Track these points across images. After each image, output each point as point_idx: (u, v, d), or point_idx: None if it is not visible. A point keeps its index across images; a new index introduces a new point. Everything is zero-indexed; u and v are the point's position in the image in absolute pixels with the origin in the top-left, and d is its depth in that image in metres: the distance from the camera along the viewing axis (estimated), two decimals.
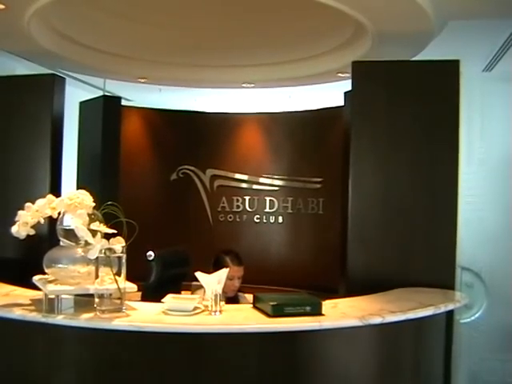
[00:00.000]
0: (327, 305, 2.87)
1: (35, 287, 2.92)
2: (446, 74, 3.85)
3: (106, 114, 5.56)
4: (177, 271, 4.20)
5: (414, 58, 4.58)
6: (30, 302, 2.87)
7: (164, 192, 6.53)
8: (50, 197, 2.74)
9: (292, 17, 4.58)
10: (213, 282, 2.72)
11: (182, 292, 3.92)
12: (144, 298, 3.71)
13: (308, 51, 5.23)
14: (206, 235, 6.41)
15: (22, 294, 3.09)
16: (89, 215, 2.62)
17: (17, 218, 2.69)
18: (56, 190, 4.36)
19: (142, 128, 6.59)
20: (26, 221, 2.64)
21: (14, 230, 2.69)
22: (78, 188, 5.26)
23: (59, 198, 2.69)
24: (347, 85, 4.20)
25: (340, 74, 5.35)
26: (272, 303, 2.68)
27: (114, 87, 6.72)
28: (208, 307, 2.73)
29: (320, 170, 6.12)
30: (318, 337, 2.75)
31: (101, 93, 6.47)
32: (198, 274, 2.79)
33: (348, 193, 3.92)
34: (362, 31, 4.30)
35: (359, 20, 3.98)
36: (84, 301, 2.83)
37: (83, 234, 2.52)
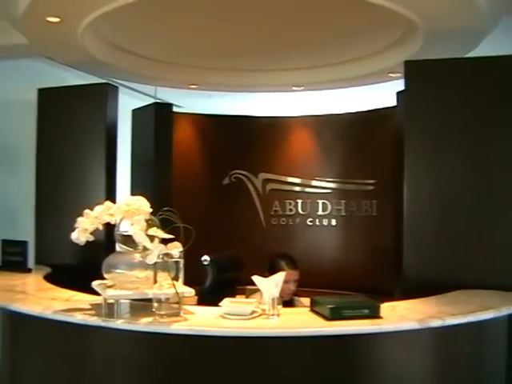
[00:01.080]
0: (385, 307, 2.83)
1: (94, 292, 2.97)
2: (504, 69, 3.75)
3: (157, 121, 5.62)
4: (231, 275, 4.22)
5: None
6: (89, 306, 2.92)
7: (217, 197, 6.55)
8: (108, 203, 2.78)
9: (341, 17, 4.53)
10: (270, 285, 2.72)
11: (237, 296, 3.94)
12: (200, 302, 3.73)
13: (358, 52, 5.20)
14: (259, 239, 6.40)
15: (82, 298, 3.15)
16: (146, 221, 2.65)
17: (76, 225, 2.74)
18: (111, 197, 4.43)
19: (194, 134, 6.63)
20: (85, 227, 2.68)
21: (74, 236, 2.74)
22: (131, 194, 5.39)
23: (117, 205, 2.72)
24: (398, 85, 4.15)
25: (391, 74, 5.28)
26: (330, 306, 2.66)
27: (165, 94, 6.81)
28: (265, 311, 2.73)
29: (372, 172, 6.05)
30: (376, 340, 2.72)
31: (151, 100, 6.56)
32: (255, 278, 2.80)
33: (402, 194, 3.86)
34: (413, 29, 4.24)
35: (410, 18, 3.93)
36: (140, 305, 2.87)
37: (141, 239, 2.55)
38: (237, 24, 4.73)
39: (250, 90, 6.38)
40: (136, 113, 5.94)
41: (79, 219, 2.73)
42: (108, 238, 3.89)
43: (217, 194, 6.56)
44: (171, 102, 6.29)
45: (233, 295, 3.79)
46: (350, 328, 2.60)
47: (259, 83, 5.96)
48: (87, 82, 4.95)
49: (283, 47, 5.20)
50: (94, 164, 4.53)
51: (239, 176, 6.60)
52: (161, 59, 5.43)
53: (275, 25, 4.74)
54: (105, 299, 2.75)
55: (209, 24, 4.72)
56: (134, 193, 5.45)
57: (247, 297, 3.80)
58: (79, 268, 4.41)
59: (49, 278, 3.98)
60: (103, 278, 2.85)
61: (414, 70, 3.89)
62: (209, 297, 3.73)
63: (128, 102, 5.87)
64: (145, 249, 2.61)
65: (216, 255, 4.09)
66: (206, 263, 3.98)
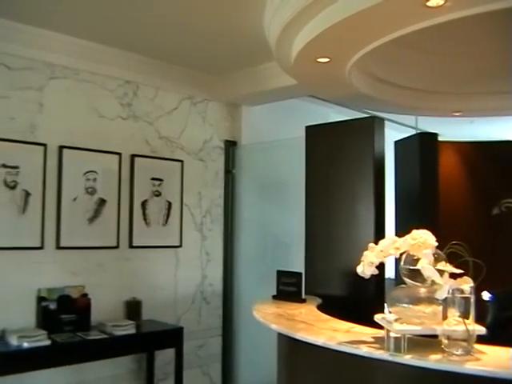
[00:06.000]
0: None
1: (369, 323, 3.01)
2: None
3: (422, 151, 5.51)
4: None
5: None
6: (371, 339, 2.93)
7: (485, 228, 6.19)
8: (393, 237, 2.79)
9: None
10: None
11: None
12: (479, 341, 3.55)
13: None
14: None
15: (362, 331, 3.17)
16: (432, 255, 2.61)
17: (362, 258, 2.79)
18: (381, 231, 4.44)
19: (458, 162, 6.39)
20: (371, 261, 2.72)
21: (359, 269, 2.79)
22: (396, 227, 5.36)
23: (402, 238, 2.72)
24: None
25: None
26: None
27: (422, 123, 6.72)
28: None
29: None
30: None
31: (411, 131, 6.50)
32: None
33: None
34: None
35: None
36: (422, 341, 2.79)
37: (431, 273, 2.51)
38: (497, 44, 4.47)
39: None
40: (399, 144, 5.89)
41: (365, 253, 2.78)
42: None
43: (485, 224, 6.21)
44: (429, 130, 6.18)
45: None
46: None
47: None
48: (346, 118, 5.05)
49: None
50: (363, 198, 4.55)
51: (511, 205, 6.20)
52: (423, 88, 5.36)
53: None
54: (388, 332, 2.75)
55: (468, 47, 4.53)
56: (399, 226, 5.44)
57: None
58: (348, 299, 4.49)
59: (321, 309, 4.09)
60: (375, 310, 2.85)
61: None
62: (491, 335, 3.53)
63: (387, 134, 5.90)
64: (433, 283, 2.56)
65: (497, 291, 3.86)
66: (486, 299, 3.78)
